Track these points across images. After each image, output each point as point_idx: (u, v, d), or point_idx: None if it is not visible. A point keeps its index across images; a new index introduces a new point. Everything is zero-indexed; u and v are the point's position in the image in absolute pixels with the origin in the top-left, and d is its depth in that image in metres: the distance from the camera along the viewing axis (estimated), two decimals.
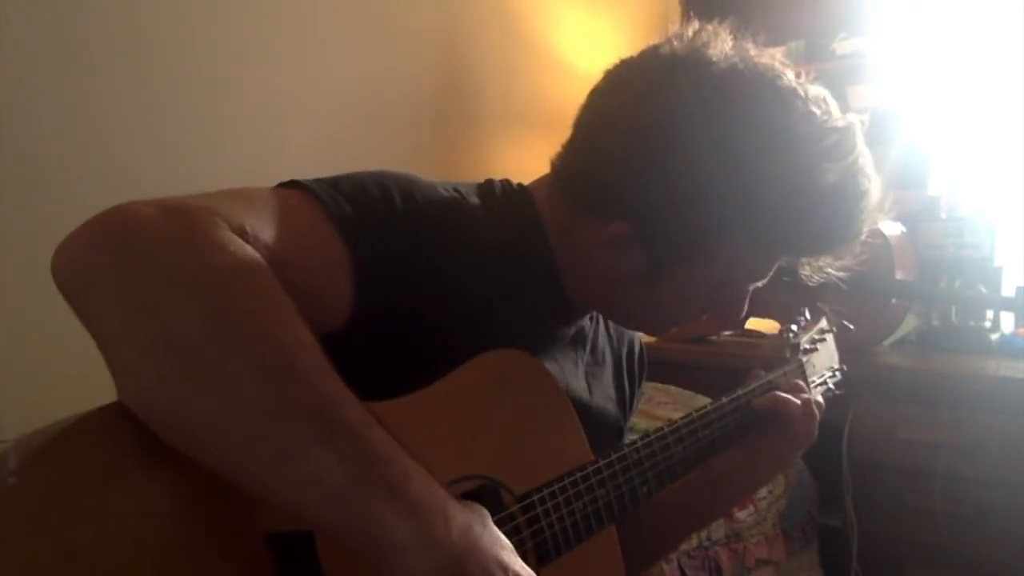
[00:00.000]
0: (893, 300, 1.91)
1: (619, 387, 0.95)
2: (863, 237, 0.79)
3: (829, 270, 0.87)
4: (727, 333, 2.18)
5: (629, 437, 0.87)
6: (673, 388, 2.02)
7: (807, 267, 0.87)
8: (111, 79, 1.62)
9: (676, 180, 0.73)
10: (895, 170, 2.09)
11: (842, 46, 2.25)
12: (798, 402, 0.91)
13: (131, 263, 0.52)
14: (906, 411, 1.75)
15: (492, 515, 0.67)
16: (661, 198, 0.73)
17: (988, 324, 1.96)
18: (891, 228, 1.95)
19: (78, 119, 1.58)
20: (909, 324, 1.99)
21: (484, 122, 2.24)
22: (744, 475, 0.93)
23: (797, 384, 0.95)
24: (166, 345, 0.50)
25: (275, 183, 0.71)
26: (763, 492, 1.73)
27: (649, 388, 2.03)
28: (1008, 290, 1.96)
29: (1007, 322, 1.98)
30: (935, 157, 2.11)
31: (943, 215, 2.06)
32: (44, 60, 1.53)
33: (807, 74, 2.18)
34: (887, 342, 1.96)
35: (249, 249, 0.56)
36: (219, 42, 1.79)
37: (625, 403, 0.97)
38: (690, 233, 0.75)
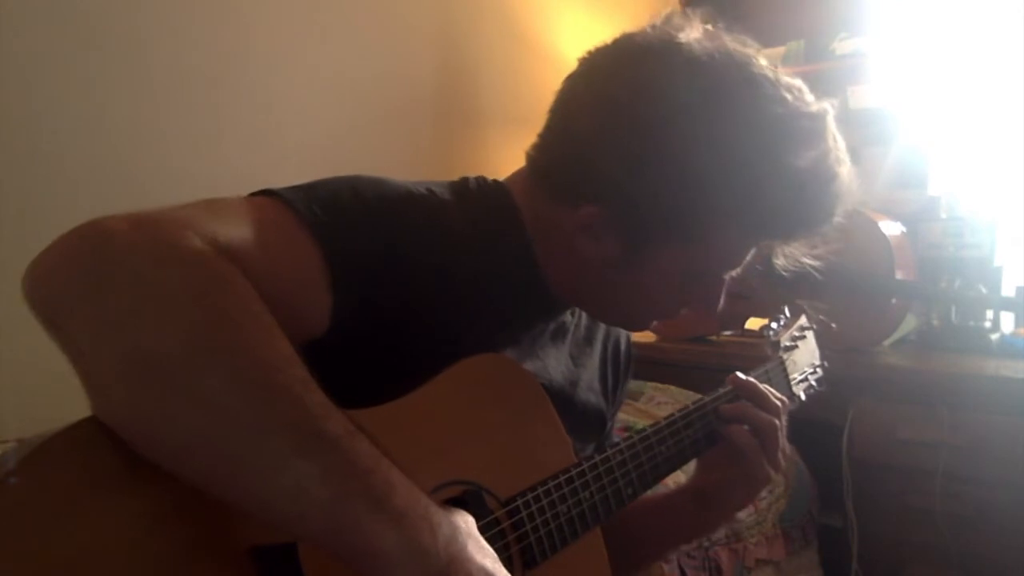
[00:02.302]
0: (893, 300, 1.91)
1: (603, 379, 0.95)
2: (836, 221, 0.78)
3: (804, 259, 0.86)
4: (727, 333, 2.18)
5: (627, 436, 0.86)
6: (673, 388, 2.02)
7: (781, 255, 0.86)
8: (111, 79, 1.62)
9: (642, 160, 0.72)
10: (895, 170, 2.09)
11: (842, 46, 2.25)
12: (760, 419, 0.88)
13: (104, 280, 0.51)
14: (906, 411, 1.75)
15: (476, 521, 0.66)
16: (628, 178, 0.73)
17: (988, 324, 1.96)
18: (891, 228, 1.95)
19: (78, 119, 1.58)
20: (909, 324, 1.99)
21: (484, 122, 2.25)
22: (727, 489, 0.91)
23: (757, 397, 0.90)
24: (143, 362, 0.50)
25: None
26: (763, 492, 1.73)
27: (649, 388, 2.03)
28: (1008, 290, 1.96)
29: (1007, 322, 1.98)
30: (935, 157, 2.11)
31: (943, 215, 2.06)
32: (44, 60, 1.53)
33: (807, 74, 2.19)
34: (887, 342, 1.96)
35: (224, 261, 0.55)
36: (219, 42, 1.79)
37: (609, 394, 0.96)
38: (658, 214, 0.74)
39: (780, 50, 2.30)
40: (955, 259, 1.99)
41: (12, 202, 1.48)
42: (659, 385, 2.03)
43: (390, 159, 1.96)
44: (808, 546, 1.84)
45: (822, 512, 1.92)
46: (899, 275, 1.89)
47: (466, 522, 0.60)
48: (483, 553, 0.58)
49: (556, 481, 0.75)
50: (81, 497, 0.50)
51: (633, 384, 2.04)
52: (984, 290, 1.92)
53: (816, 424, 1.86)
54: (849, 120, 2.20)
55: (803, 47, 2.31)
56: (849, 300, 1.83)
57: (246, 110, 1.84)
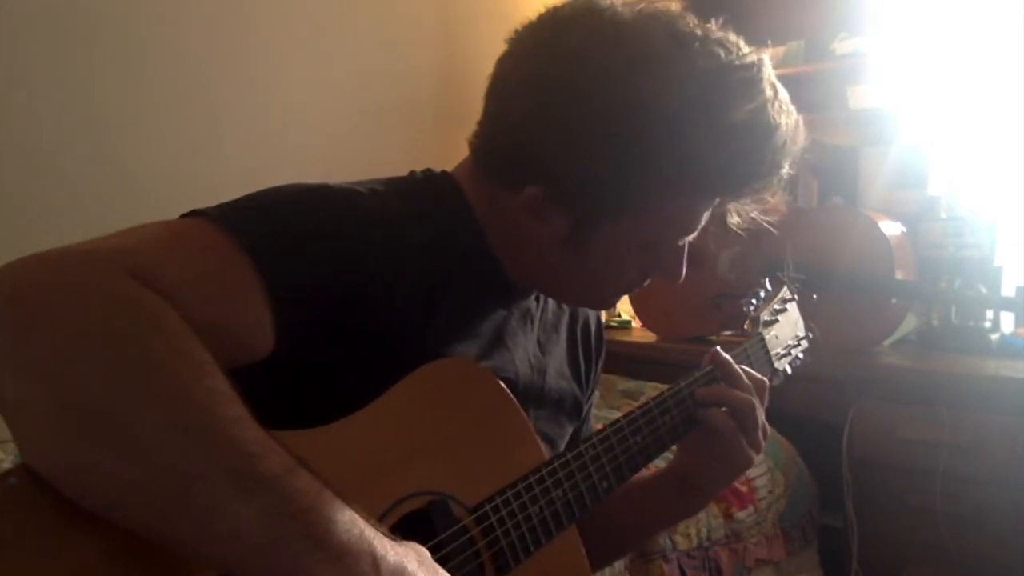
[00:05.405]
0: (893, 300, 1.91)
1: (574, 363, 0.93)
2: (783, 172, 0.76)
3: (755, 214, 0.84)
4: (727, 333, 2.18)
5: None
6: None
7: (734, 214, 0.84)
8: (111, 79, 1.62)
9: (575, 131, 0.71)
10: (895, 170, 2.09)
11: (842, 46, 2.24)
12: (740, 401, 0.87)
13: (23, 327, 0.49)
14: (906, 411, 1.75)
15: (444, 530, 0.66)
16: (561, 154, 0.72)
17: (988, 324, 1.96)
18: (891, 228, 1.95)
19: (78, 119, 1.58)
20: (909, 324, 1.99)
21: None
22: (708, 473, 0.90)
23: (732, 379, 0.90)
24: (68, 411, 0.48)
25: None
26: (763, 492, 1.73)
27: (649, 388, 2.03)
28: (1008, 290, 1.96)
29: (1007, 322, 1.98)
30: (935, 157, 2.11)
31: (943, 215, 2.06)
32: (44, 60, 1.53)
33: (807, 74, 2.18)
34: (887, 342, 1.96)
35: (151, 295, 0.53)
36: (219, 42, 1.79)
37: (582, 378, 0.94)
38: (597, 186, 0.72)
39: (780, 50, 2.29)
40: (955, 259, 1.99)
41: (12, 202, 1.48)
42: (659, 385, 2.02)
43: (390, 159, 1.95)
44: (808, 546, 1.84)
45: (822, 512, 1.91)
46: (899, 275, 1.89)
47: (417, 551, 0.58)
48: None
49: (526, 482, 0.74)
50: (21, 548, 0.49)
51: (633, 384, 2.05)
52: (984, 290, 1.92)
53: (816, 424, 1.86)
54: (849, 120, 2.20)
55: (803, 47, 2.31)
56: (849, 300, 1.83)
57: (246, 110, 1.84)
